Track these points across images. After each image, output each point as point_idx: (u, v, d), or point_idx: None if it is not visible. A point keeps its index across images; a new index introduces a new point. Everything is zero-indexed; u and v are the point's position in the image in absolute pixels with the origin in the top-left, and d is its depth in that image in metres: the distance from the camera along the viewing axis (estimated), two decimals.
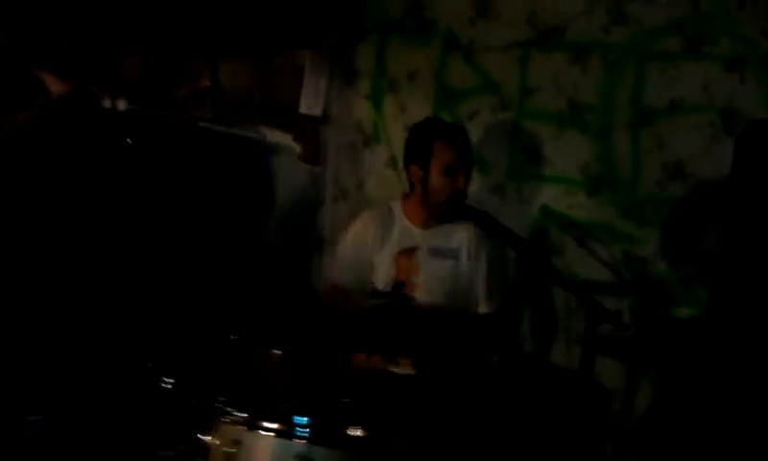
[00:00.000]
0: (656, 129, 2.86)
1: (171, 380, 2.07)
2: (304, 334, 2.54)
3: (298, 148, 3.74)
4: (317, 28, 3.61)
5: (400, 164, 2.93)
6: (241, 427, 1.83)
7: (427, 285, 2.59)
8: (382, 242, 2.69)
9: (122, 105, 3.81)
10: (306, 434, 1.81)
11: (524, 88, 3.12)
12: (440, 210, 2.62)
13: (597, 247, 2.95)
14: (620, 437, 2.82)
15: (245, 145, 3.80)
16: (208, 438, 1.86)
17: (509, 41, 3.14)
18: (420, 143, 2.64)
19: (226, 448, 1.81)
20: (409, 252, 2.64)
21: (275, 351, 2.25)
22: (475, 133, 3.21)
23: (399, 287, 2.49)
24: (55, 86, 3.41)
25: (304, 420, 1.83)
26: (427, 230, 2.66)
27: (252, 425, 1.83)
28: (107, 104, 3.68)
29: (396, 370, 2.41)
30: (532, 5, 3.11)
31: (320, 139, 3.67)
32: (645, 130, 2.88)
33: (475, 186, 3.20)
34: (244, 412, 1.84)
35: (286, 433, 1.82)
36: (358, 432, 1.86)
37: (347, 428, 1.87)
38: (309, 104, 3.68)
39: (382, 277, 2.65)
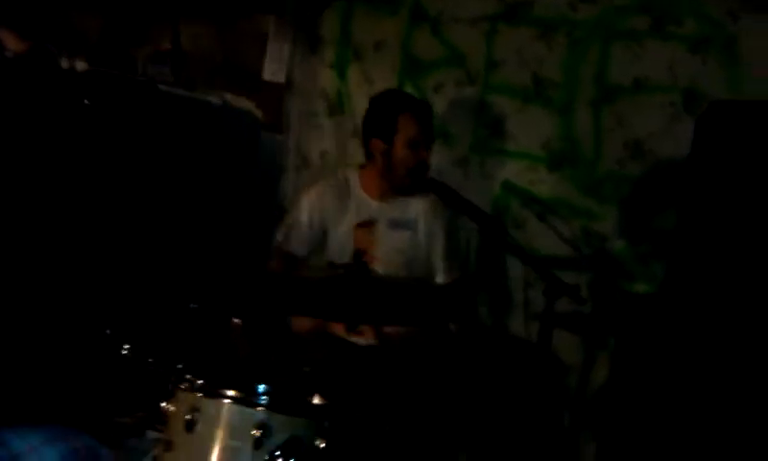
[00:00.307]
0: (618, 107, 2.88)
1: (129, 347, 2.04)
2: (264, 304, 2.53)
3: (260, 115, 3.69)
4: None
5: None
6: (199, 394, 1.81)
7: (386, 257, 2.59)
8: (338, 214, 2.67)
9: (80, 65, 3.70)
10: (266, 402, 1.80)
11: (490, 62, 3.12)
12: (402, 183, 2.62)
13: (557, 222, 2.98)
14: (577, 410, 2.88)
15: (206, 110, 3.73)
16: (167, 405, 1.84)
17: (476, 14, 3.14)
18: (383, 116, 2.63)
19: (184, 415, 1.79)
20: (367, 224, 2.64)
21: (234, 320, 2.24)
22: (440, 105, 3.21)
23: (360, 256, 2.48)
24: (12, 44, 3.30)
25: (264, 387, 1.82)
26: (385, 203, 2.66)
27: (211, 393, 1.81)
28: (64, 64, 3.58)
29: (357, 340, 2.42)
30: None
31: (282, 107, 3.63)
32: (608, 107, 2.90)
33: (439, 159, 3.20)
34: (202, 379, 1.82)
35: (246, 400, 1.80)
36: (318, 400, 1.86)
37: (307, 396, 1.86)
38: (272, 70, 3.63)
39: (338, 250, 2.63)
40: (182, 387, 1.84)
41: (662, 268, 2.70)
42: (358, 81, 3.42)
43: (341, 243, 2.65)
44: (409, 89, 3.26)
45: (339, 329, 2.49)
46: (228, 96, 3.73)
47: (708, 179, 2.31)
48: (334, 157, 3.47)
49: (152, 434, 1.86)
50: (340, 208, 2.67)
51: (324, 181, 2.79)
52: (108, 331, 2.24)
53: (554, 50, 3.00)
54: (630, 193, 2.88)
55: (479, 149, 3.14)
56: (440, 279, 2.67)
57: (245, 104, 3.70)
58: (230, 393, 1.80)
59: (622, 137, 2.90)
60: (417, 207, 2.66)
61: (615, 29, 2.89)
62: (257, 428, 1.75)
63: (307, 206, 2.71)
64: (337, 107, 3.49)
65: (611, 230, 2.92)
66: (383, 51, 3.37)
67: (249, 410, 1.79)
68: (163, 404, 1.84)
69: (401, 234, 2.64)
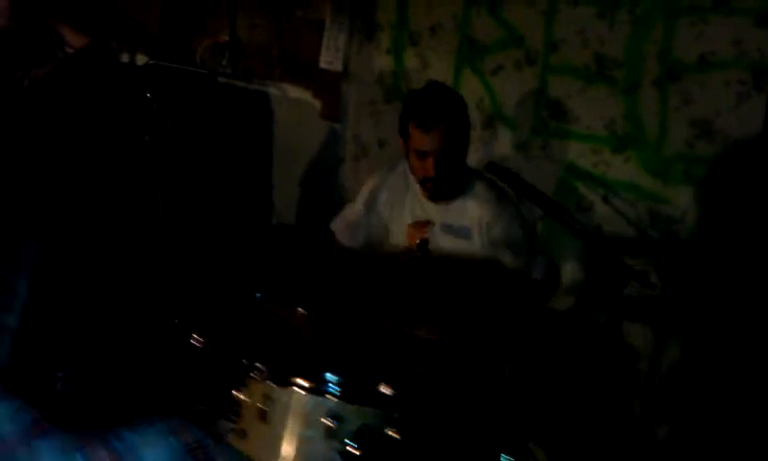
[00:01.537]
0: (684, 85, 2.80)
1: (198, 336, 2.08)
2: (328, 293, 2.53)
3: (317, 104, 3.71)
4: None
5: None
6: (272, 384, 1.84)
7: (440, 262, 2.44)
8: (393, 208, 2.59)
9: (141, 59, 3.78)
10: (337, 391, 1.82)
11: (550, 42, 3.06)
12: (423, 189, 2.49)
13: (623, 205, 2.92)
14: (648, 396, 2.83)
15: (264, 100, 3.77)
16: (240, 394, 1.87)
17: None
18: (401, 116, 2.49)
19: (258, 405, 1.82)
20: (422, 225, 2.52)
21: (299, 310, 2.26)
22: (499, 87, 3.18)
23: (425, 245, 2.45)
24: (73, 40, 3.38)
25: (336, 378, 1.83)
26: (438, 205, 2.51)
27: (283, 381, 1.83)
28: (125, 58, 3.65)
29: (421, 334, 2.40)
30: None
31: (340, 95, 3.64)
32: (673, 86, 2.82)
33: (500, 143, 3.18)
34: (274, 368, 1.84)
35: (317, 390, 1.82)
36: (388, 391, 1.86)
37: (377, 386, 1.87)
38: (329, 59, 3.64)
39: (394, 245, 2.56)
40: (254, 376, 1.87)
41: (732, 250, 2.63)
42: (415, 65, 3.40)
43: (396, 239, 2.57)
44: (468, 73, 3.23)
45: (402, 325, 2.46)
46: (286, 86, 3.77)
47: None
48: (394, 145, 3.46)
49: (224, 423, 1.89)
50: (395, 201, 2.58)
51: (382, 172, 2.69)
52: (176, 321, 2.29)
53: (616, 29, 2.92)
54: (698, 174, 2.80)
55: (541, 132, 3.10)
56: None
57: (302, 94, 3.73)
58: (302, 382, 1.83)
59: (689, 117, 2.81)
60: (472, 214, 2.48)
61: (679, 5, 2.80)
62: (329, 417, 1.78)
63: (364, 199, 2.64)
64: (394, 93, 3.48)
65: (679, 212, 2.84)
66: (440, 34, 3.34)
67: (320, 399, 1.81)
68: (235, 393, 1.88)
69: (455, 242, 2.49)
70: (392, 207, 2.59)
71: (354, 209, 2.67)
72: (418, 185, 2.52)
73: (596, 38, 2.95)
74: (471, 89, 3.24)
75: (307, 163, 3.73)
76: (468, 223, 2.48)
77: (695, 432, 2.40)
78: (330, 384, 1.83)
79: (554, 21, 3.04)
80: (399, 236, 2.56)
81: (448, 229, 2.49)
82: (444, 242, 2.49)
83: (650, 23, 2.85)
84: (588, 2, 2.97)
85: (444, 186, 2.45)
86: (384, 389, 1.86)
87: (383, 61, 3.49)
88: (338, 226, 2.70)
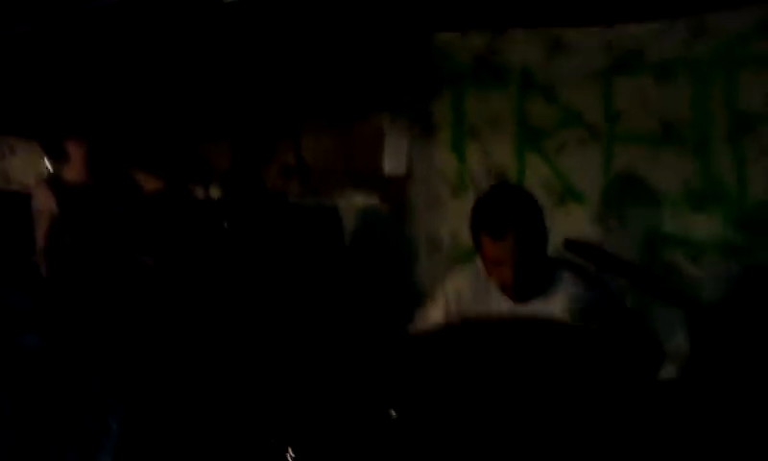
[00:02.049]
0: (757, 134, 2.75)
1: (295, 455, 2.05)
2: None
3: (385, 208, 3.76)
4: (392, 90, 3.67)
5: None
6: None
7: None
8: (475, 306, 2.47)
9: (215, 192, 3.94)
10: None
11: (611, 114, 3.07)
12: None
13: (712, 264, 2.83)
14: None
15: (333, 213, 3.85)
16: None
17: (587, 71, 3.11)
18: (471, 227, 2.39)
19: None
20: None
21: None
22: (564, 165, 3.18)
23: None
24: (148, 184, 3.58)
25: None
26: (520, 303, 2.39)
27: None
28: (200, 194, 3.81)
29: None
30: (606, 33, 3.08)
31: (406, 198, 3.69)
32: (746, 136, 2.77)
33: (574, 220, 3.15)
34: None
35: None
36: None
37: None
38: (393, 165, 3.72)
39: None
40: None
41: None
42: (477, 158, 3.44)
43: None
44: (532, 156, 3.25)
45: None
46: (353, 196, 3.85)
47: None
48: (464, 236, 3.46)
49: None
50: (477, 301, 2.47)
51: (460, 269, 2.62)
52: (272, 440, 2.27)
53: (677, 90, 2.92)
54: None
55: (614, 202, 3.06)
56: None
57: (369, 200, 3.80)
58: None
59: (766, 165, 2.75)
60: (562, 306, 2.36)
61: (739, 56, 2.78)
62: None
63: (443, 298, 2.56)
64: (459, 188, 3.51)
65: None
66: (498, 125, 3.38)
67: None
68: None
69: None
70: (472, 305, 2.48)
71: (430, 310, 2.59)
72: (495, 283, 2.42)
73: (658, 103, 2.94)
74: (537, 171, 3.25)
75: (383, 267, 3.75)
76: (558, 314, 2.35)
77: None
78: None
79: (612, 94, 3.06)
80: None
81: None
82: None
83: (712, 78, 2.83)
84: (644, 69, 2.99)
85: (526, 289, 2.37)
86: None
87: (445, 159, 3.54)
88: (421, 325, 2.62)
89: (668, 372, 2.80)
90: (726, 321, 2.11)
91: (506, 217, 2.27)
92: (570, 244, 2.46)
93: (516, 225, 2.27)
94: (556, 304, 2.38)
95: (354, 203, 3.82)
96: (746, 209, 2.79)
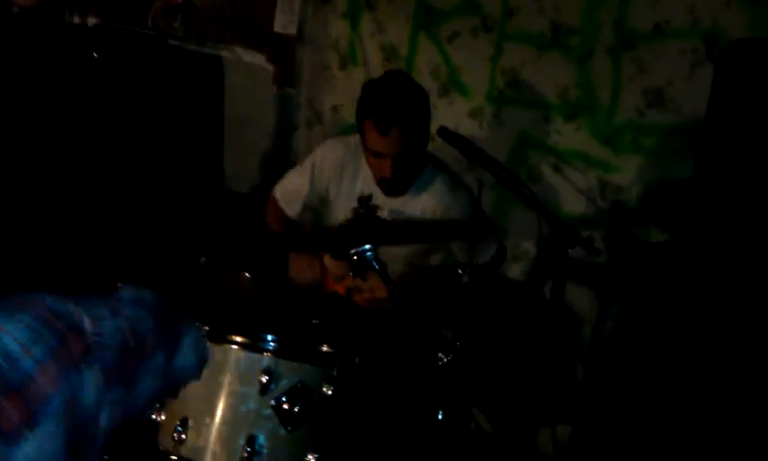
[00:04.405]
0: (638, 53, 2.79)
1: None
2: (273, 258, 2.47)
3: (271, 69, 3.64)
4: None
5: None
6: (207, 340, 1.79)
7: (386, 252, 2.24)
8: (340, 183, 2.47)
9: (91, 20, 3.67)
10: (273, 348, 1.78)
11: (506, 9, 3.03)
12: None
13: (573, 174, 2.92)
14: (590, 362, 2.84)
15: (216, 64, 3.69)
16: None
17: None
18: (357, 111, 2.32)
19: None
20: (370, 208, 2.38)
21: (244, 274, 2.21)
22: (455, 54, 3.14)
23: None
24: None
25: (272, 335, 1.79)
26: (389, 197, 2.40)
27: (219, 338, 1.79)
28: (75, 19, 3.54)
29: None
30: None
31: (294, 60, 3.57)
32: (627, 54, 2.81)
33: (454, 109, 3.15)
34: (210, 326, 1.79)
35: (253, 346, 1.78)
36: (326, 348, 1.83)
37: (315, 345, 1.84)
38: (284, 22, 3.57)
39: (335, 220, 2.45)
40: None
41: (678, 218, 2.63)
42: (371, 31, 3.35)
43: (337, 214, 2.46)
44: (424, 39, 3.19)
45: (340, 288, 2.42)
46: (239, 50, 3.69)
47: (730, 120, 2.22)
48: (348, 111, 3.40)
49: None
50: (346, 179, 2.46)
51: (332, 144, 2.56)
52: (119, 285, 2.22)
53: None
54: (648, 143, 2.80)
55: (495, 99, 3.07)
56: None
57: (255, 58, 3.66)
58: (238, 338, 1.79)
59: (642, 85, 2.81)
60: (425, 205, 2.40)
61: None
62: (264, 374, 1.74)
63: (309, 171, 2.52)
64: (349, 59, 3.43)
65: (627, 181, 2.84)
66: (396, 1, 3.29)
67: (255, 355, 1.78)
68: None
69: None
70: (339, 182, 2.47)
71: (298, 180, 2.56)
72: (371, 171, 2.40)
73: (552, 6, 2.92)
74: (428, 56, 3.21)
75: (260, 130, 3.66)
76: (419, 213, 2.40)
77: (632, 397, 2.41)
78: (266, 341, 1.79)
79: None
80: (343, 213, 2.44)
81: (397, 215, 2.40)
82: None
83: None
84: None
85: (400, 185, 2.37)
86: (322, 347, 1.83)
87: (338, 26, 3.43)
88: (280, 192, 2.60)
89: (512, 269, 2.93)
90: (574, 233, 2.18)
91: (395, 113, 2.22)
92: (444, 132, 2.46)
93: (404, 123, 2.23)
94: (421, 201, 2.40)
95: (240, 57, 3.66)
96: (614, 126, 2.86)
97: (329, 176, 2.50)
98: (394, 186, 2.36)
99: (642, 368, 2.36)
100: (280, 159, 3.57)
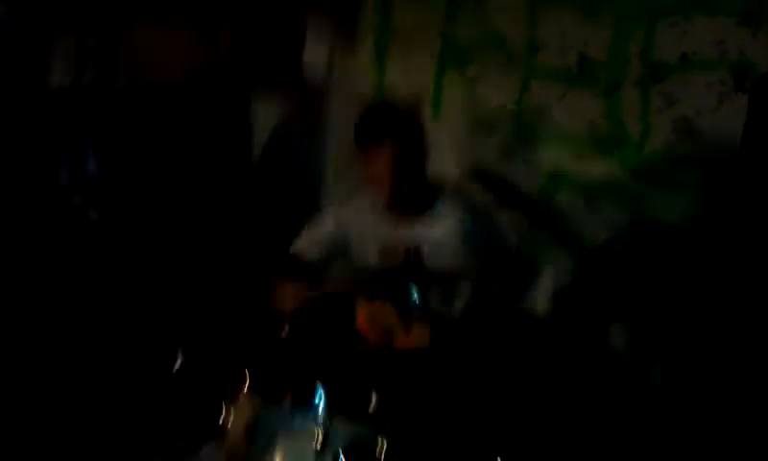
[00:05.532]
0: (666, 85, 2.81)
1: (181, 361, 2.06)
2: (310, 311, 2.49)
3: (300, 112, 3.68)
4: None
5: None
6: (258, 402, 1.84)
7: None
8: (364, 228, 2.52)
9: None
10: (323, 406, 1.82)
11: (533, 45, 3.06)
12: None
13: (605, 208, 2.93)
14: (632, 398, 2.83)
15: (246, 109, 3.74)
16: (225, 416, 1.87)
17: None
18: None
19: (243, 425, 1.82)
20: (394, 249, 2.46)
21: (283, 329, 2.24)
22: (483, 91, 3.18)
23: (411, 252, 2.42)
24: None
25: (321, 392, 1.84)
26: (404, 224, 2.46)
27: (271, 399, 1.84)
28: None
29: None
30: None
31: (322, 103, 3.62)
32: (655, 87, 2.83)
33: (483, 147, 3.18)
34: (261, 386, 1.85)
35: (306, 405, 1.83)
36: (376, 403, 1.87)
37: (366, 400, 1.88)
38: (312, 66, 3.62)
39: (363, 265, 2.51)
40: (240, 396, 1.87)
41: (712, 250, 2.63)
42: (398, 71, 3.39)
43: (364, 257, 2.51)
44: (452, 75, 3.23)
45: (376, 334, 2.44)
46: (268, 94, 3.74)
47: (765, 151, 2.22)
48: None
49: (208, 448, 1.88)
50: (367, 221, 2.51)
51: (357, 191, 2.60)
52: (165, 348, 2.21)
53: (599, 30, 2.93)
54: (679, 175, 2.81)
55: (523, 136, 3.10)
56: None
57: (284, 102, 3.70)
58: (289, 399, 1.84)
59: (670, 117, 2.82)
60: (438, 230, 2.44)
61: (661, 4, 2.81)
62: (318, 433, 1.78)
63: (328, 215, 2.61)
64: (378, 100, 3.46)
65: (659, 213, 2.85)
66: (423, 39, 3.33)
67: (309, 414, 1.82)
68: (221, 416, 1.87)
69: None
70: (363, 228, 2.52)
71: (316, 228, 2.63)
72: (381, 204, 2.46)
73: (579, 40, 2.95)
74: (455, 94, 3.24)
75: (290, 175, 3.69)
76: (441, 235, 2.42)
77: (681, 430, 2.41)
78: (318, 398, 1.84)
79: (537, 23, 3.04)
80: (367, 255, 2.50)
81: (417, 242, 2.43)
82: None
83: (633, 23, 2.84)
84: (570, 4, 2.98)
85: (404, 196, 2.40)
86: (373, 402, 1.87)
87: (366, 67, 3.47)
88: (301, 245, 2.64)
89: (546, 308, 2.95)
90: (610, 267, 2.20)
91: (380, 129, 2.33)
92: (480, 174, 2.50)
93: (391, 137, 2.31)
94: (439, 228, 2.43)
95: (269, 101, 3.71)
96: (644, 159, 2.88)
97: (348, 221, 2.56)
98: (397, 196, 2.38)
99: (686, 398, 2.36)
100: (308, 203, 3.58)
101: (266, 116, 3.69)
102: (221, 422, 1.86)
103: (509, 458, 1.78)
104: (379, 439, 1.81)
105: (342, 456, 1.77)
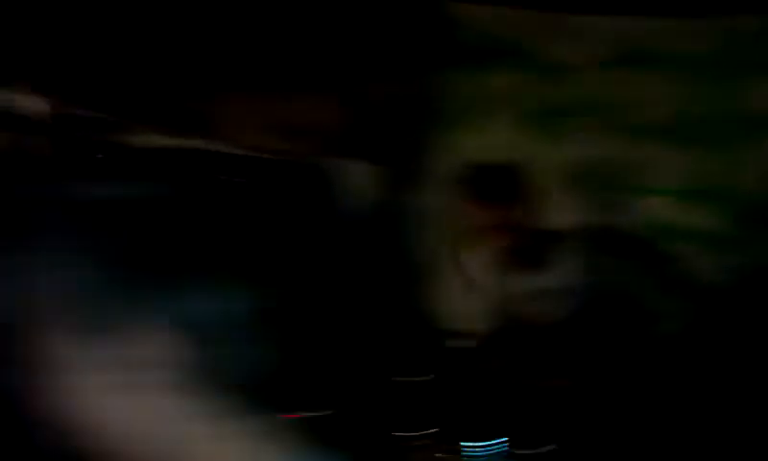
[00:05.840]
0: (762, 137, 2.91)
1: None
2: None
3: (389, 183, 3.74)
4: (400, 66, 3.64)
5: None
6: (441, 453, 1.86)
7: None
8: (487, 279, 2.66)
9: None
10: (508, 453, 1.84)
11: (620, 105, 3.17)
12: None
13: (712, 256, 2.99)
14: None
15: (336, 183, 3.79)
16: None
17: (599, 60, 3.20)
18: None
19: None
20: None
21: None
22: (576, 151, 3.27)
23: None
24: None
25: (505, 440, 1.86)
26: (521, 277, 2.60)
27: (454, 448, 1.86)
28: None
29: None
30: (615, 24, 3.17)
31: (411, 174, 3.67)
32: (751, 138, 2.93)
33: (580, 208, 3.25)
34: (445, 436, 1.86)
35: (488, 454, 1.85)
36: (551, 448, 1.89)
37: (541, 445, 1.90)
38: (398, 141, 3.70)
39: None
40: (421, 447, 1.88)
41: None
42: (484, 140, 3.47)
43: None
44: (543, 141, 3.33)
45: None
46: (355, 164, 3.80)
47: None
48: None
49: None
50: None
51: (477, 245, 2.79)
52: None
53: (685, 87, 3.04)
54: None
55: (621, 192, 3.18)
56: None
57: (372, 172, 3.76)
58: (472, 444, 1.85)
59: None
60: (553, 279, 2.62)
61: (749, 59, 2.92)
62: None
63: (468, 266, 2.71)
64: None
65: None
66: (505, 107, 3.43)
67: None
68: None
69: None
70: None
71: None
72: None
73: (669, 98, 3.06)
74: (544, 158, 3.33)
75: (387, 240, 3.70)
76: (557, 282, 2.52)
77: None
78: (500, 445, 1.86)
79: (625, 85, 3.16)
80: None
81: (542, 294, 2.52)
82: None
83: (726, 78, 2.96)
84: (654, 64, 3.10)
85: (519, 256, 2.52)
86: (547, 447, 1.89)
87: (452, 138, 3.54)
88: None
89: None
90: (725, 311, 2.23)
91: (494, 184, 2.46)
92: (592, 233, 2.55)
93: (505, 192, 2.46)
94: (553, 277, 2.52)
95: (356, 171, 3.77)
96: (743, 208, 2.94)
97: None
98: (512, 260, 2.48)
99: None
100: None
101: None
102: None
103: None
104: None
105: None
